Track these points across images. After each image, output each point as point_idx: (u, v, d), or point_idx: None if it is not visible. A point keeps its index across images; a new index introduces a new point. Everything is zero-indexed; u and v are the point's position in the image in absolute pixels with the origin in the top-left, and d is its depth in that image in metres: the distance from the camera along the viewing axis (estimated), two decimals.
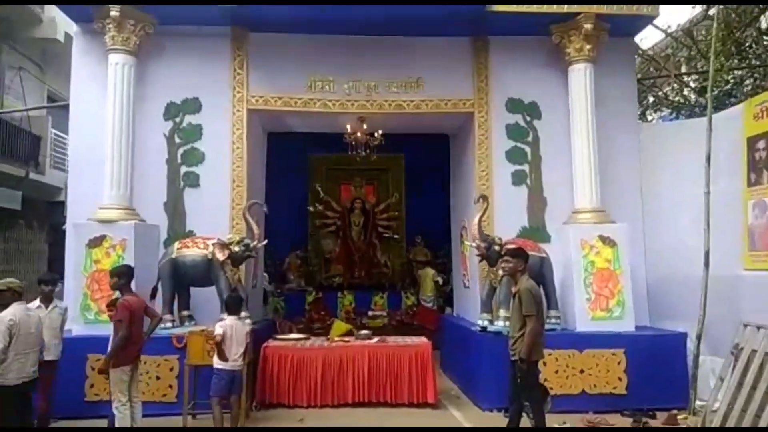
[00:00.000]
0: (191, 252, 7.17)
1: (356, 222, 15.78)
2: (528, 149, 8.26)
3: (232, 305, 6.24)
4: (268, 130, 9.59)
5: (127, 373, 5.33)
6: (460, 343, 8.01)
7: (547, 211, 8.18)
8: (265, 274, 11.17)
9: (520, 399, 5.27)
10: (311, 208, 15.60)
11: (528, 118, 8.29)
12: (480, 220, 7.23)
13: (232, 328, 6.02)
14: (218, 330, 5.87)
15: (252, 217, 7.32)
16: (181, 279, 7.24)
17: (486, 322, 7.26)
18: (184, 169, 7.99)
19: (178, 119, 8.03)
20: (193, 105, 8.05)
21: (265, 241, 7.65)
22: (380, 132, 8.95)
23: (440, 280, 13.39)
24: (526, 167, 8.24)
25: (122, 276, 5.59)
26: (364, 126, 8.78)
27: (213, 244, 7.09)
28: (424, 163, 16.11)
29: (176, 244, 7.31)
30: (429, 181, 16.00)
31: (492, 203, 8.01)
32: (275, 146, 14.29)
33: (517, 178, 8.21)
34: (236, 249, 7.11)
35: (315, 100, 8.18)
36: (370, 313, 13.74)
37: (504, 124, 8.26)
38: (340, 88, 8.22)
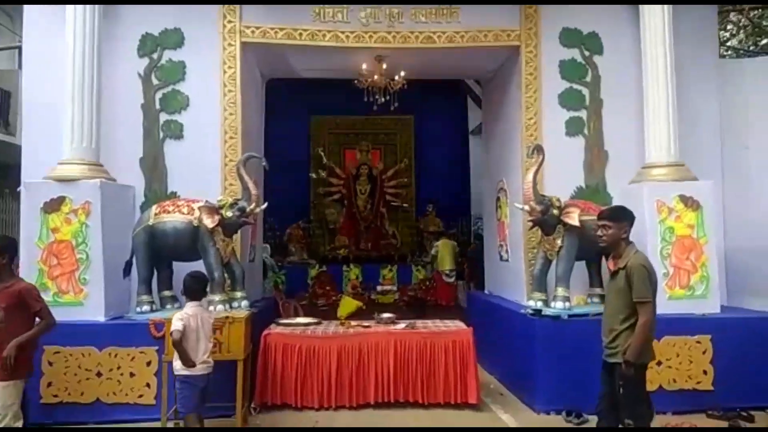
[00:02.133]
0: (172, 218, 5.61)
1: (362, 190, 14.48)
2: (586, 91, 6.66)
3: (194, 288, 4.63)
4: (267, 76, 7.91)
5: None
6: (502, 327, 6.51)
7: (609, 168, 6.63)
8: (265, 245, 9.64)
9: (618, 414, 3.75)
10: (314, 175, 14.26)
11: (587, 53, 6.67)
12: (535, 178, 5.64)
13: (197, 319, 4.48)
14: (176, 324, 4.34)
15: (248, 174, 5.71)
16: (161, 251, 5.72)
17: (540, 304, 5.75)
18: (163, 116, 6.39)
19: (155, 55, 6.41)
20: (173, 38, 6.42)
21: (265, 204, 6.08)
22: (402, 74, 7.28)
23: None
24: (583, 113, 6.65)
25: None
26: (384, 66, 7.11)
27: (200, 208, 5.54)
28: (435, 126, 14.66)
29: (154, 209, 5.76)
30: (441, 146, 14.59)
31: (542, 180, 6.43)
32: (273, 106, 12.66)
33: (573, 127, 6.63)
34: (229, 214, 5.54)
35: (324, 32, 6.53)
36: (379, 287, 12.50)
37: (557, 61, 6.66)
38: (356, 16, 6.59)
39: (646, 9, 6.23)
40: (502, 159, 7.36)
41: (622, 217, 3.94)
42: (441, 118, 14.51)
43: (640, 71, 6.41)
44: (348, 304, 10.16)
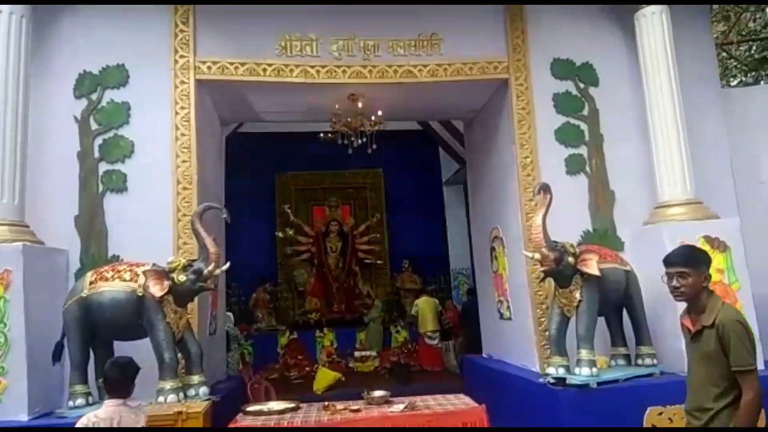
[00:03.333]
0: (111, 287, 4.51)
1: (333, 248, 13.52)
2: (584, 126, 5.95)
3: (115, 379, 3.45)
4: (227, 122, 6.99)
5: None
6: (513, 400, 5.49)
7: (617, 208, 5.83)
8: (228, 314, 8.47)
9: None
10: (280, 234, 13.22)
11: (581, 85, 6.01)
12: (545, 221, 4.77)
13: (110, 424, 3.27)
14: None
15: (206, 229, 4.67)
16: (98, 329, 4.59)
17: (561, 371, 4.76)
18: (104, 166, 5.37)
19: (95, 95, 5.45)
20: (116, 75, 5.48)
21: (227, 265, 5.02)
22: (380, 113, 6.46)
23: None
24: (583, 150, 5.91)
25: None
26: (359, 105, 6.28)
27: (145, 273, 4.46)
28: (407, 178, 13.92)
29: (88, 276, 4.65)
30: (414, 199, 13.81)
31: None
32: (235, 162, 11.76)
33: (573, 165, 5.88)
34: (182, 278, 4.48)
35: (292, 66, 5.69)
36: (356, 353, 11.38)
37: (551, 94, 5.96)
38: (326, 49, 5.78)
39: (644, 29, 5.63)
40: (494, 204, 6.52)
41: (702, 260, 3.07)
42: (412, 169, 13.79)
43: (640, 102, 5.78)
44: (325, 376, 9.04)
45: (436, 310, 10.73)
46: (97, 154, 5.33)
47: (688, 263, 3.00)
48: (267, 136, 12.97)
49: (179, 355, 4.58)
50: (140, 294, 4.43)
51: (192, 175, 5.37)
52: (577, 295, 4.80)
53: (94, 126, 5.37)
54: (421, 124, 12.88)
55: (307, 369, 10.59)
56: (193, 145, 5.41)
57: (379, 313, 11.76)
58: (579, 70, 6.01)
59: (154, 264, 4.57)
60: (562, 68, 5.98)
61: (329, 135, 11.36)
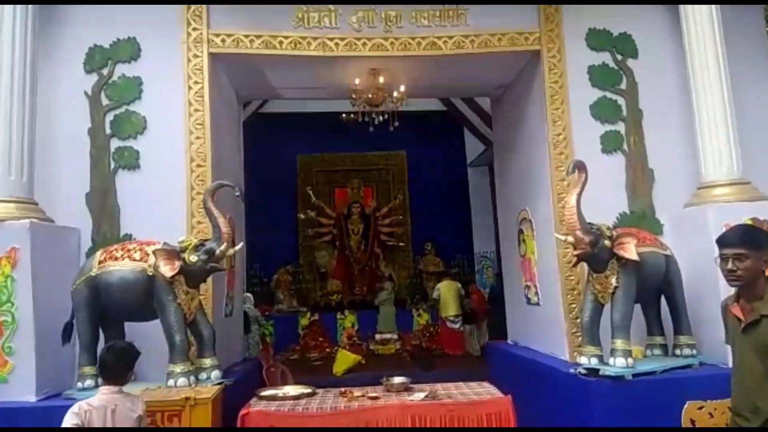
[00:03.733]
0: (121, 266, 4.31)
1: (355, 230, 13.27)
2: (622, 101, 5.53)
3: (111, 365, 3.25)
4: (244, 98, 6.72)
5: None
6: (541, 390, 5.19)
7: (656, 188, 5.43)
8: (248, 295, 8.32)
9: None
10: (302, 216, 13.04)
11: (619, 57, 5.58)
12: (579, 202, 4.41)
13: (104, 413, 3.06)
14: (69, 420, 2.96)
15: (219, 208, 4.44)
16: (107, 309, 4.40)
17: (594, 361, 4.45)
18: (115, 143, 5.15)
19: (106, 70, 5.21)
20: (128, 49, 5.24)
21: (240, 245, 4.79)
22: (402, 89, 6.11)
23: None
24: (620, 126, 5.50)
25: None
26: (380, 79, 5.95)
27: (155, 252, 4.25)
28: (430, 159, 13.58)
29: (98, 255, 4.46)
30: (437, 181, 13.48)
31: (570, 182, 5.26)
32: (257, 144, 11.70)
33: (610, 143, 5.47)
34: (193, 258, 4.25)
35: (309, 39, 5.38)
36: (377, 336, 11.15)
37: (585, 66, 5.55)
38: (346, 21, 5.46)
39: (688, 5, 5.17)
40: (523, 185, 6.16)
41: (762, 241, 2.71)
42: (436, 151, 13.45)
43: (682, 76, 5.34)
44: (345, 359, 8.85)
45: (459, 293, 10.43)
46: (108, 131, 5.12)
47: (747, 244, 2.64)
48: (289, 117, 12.77)
49: (191, 337, 4.38)
50: (150, 274, 4.22)
51: (206, 152, 5.13)
52: (613, 280, 4.45)
53: (105, 101, 5.15)
54: (445, 104, 12.51)
55: (328, 351, 10.46)
56: (207, 121, 5.16)
57: (389, 295, 11.51)
58: (616, 41, 5.57)
59: (165, 243, 4.36)
60: (598, 39, 5.56)
61: (351, 116, 11.09)
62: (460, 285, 10.71)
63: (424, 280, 12.91)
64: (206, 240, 4.39)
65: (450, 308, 10.29)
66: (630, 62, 5.57)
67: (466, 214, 13.09)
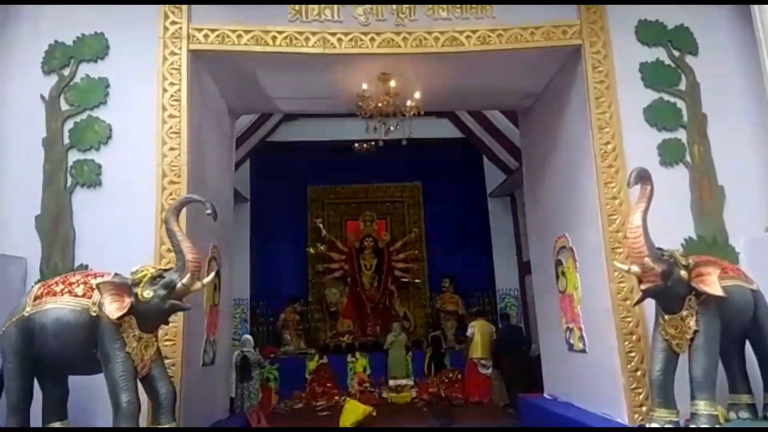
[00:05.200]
0: (58, 304, 3.33)
1: (367, 265, 12.20)
2: (682, 104, 4.54)
3: None
4: (236, 109, 5.81)
5: None
6: None
7: (728, 208, 4.37)
8: (247, 337, 7.30)
9: None
10: (311, 250, 11.96)
11: (676, 53, 4.61)
12: (645, 222, 3.35)
13: None
14: None
15: (183, 230, 3.46)
16: (42, 359, 3.37)
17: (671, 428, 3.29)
18: (74, 155, 4.26)
19: (67, 70, 4.36)
20: (93, 46, 4.39)
21: (210, 278, 3.74)
22: (417, 96, 5.15)
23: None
24: (681, 134, 4.50)
25: None
26: (391, 84, 5.00)
27: (99, 286, 3.21)
28: (448, 191, 12.54)
29: (35, 290, 3.51)
30: (455, 213, 12.41)
31: (624, 199, 4.23)
32: (265, 175, 10.84)
33: (670, 153, 4.46)
34: (147, 294, 3.25)
35: (307, 34, 4.49)
36: (391, 382, 9.86)
37: (636, 64, 4.56)
38: (351, 13, 4.56)
39: None
40: (561, 208, 5.11)
41: None
42: (454, 181, 12.42)
43: (753, 76, 4.33)
44: (353, 410, 7.68)
45: (491, 336, 9.24)
46: (66, 141, 4.22)
47: None
48: (299, 147, 11.94)
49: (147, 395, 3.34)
50: (94, 314, 3.23)
51: (181, 166, 4.19)
52: (692, 323, 3.36)
53: (64, 107, 4.27)
54: (463, 132, 11.58)
55: (336, 398, 9.26)
56: (185, 129, 4.24)
57: (395, 337, 10.38)
58: (672, 35, 4.61)
59: (116, 275, 3.37)
60: (650, 32, 4.60)
61: (364, 145, 10.14)
62: (493, 327, 9.54)
63: (441, 319, 11.73)
64: (166, 270, 3.39)
65: (481, 350, 9.10)
66: (689, 59, 4.58)
67: (486, 249, 11.93)
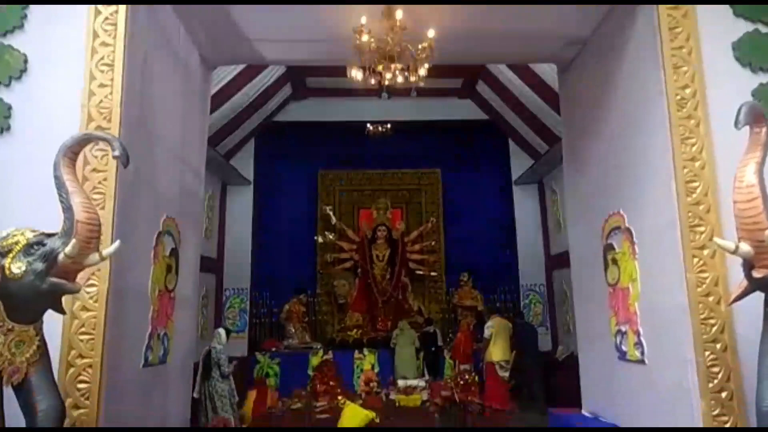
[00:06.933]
0: None
1: (380, 256, 11.07)
2: None
3: None
4: (212, 61, 4.70)
5: None
6: None
7: None
8: (219, 330, 6.18)
9: None
10: (320, 239, 10.87)
11: None
12: (762, 179, 2.17)
13: None
14: None
15: (77, 178, 2.39)
16: None
17: None
18: None
19: None
20: None
21: (114, 246, 2.60)
22: (431, 35, 3.95)
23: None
24: None
25: None
26: (397, 20, 3.83)
27: None
28: (469, 178, 11.33)
29: None
30: (477, 202, 11.20)
31: (715, 197, 3.03)
32: (272, 157, 9.74)
33: None
34: (18, 268, 2.19)
35: None
36: (400, 382, 8.77)
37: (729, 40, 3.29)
38: None
39: None
40: (614, 178, 3.88)
41: None
42: (475, 168, 11.21)
43: None
44: (354, 416, 6.68)
45: (510, 335, 8.07)
46: None
47: None
48: (308, 127, 10.85)
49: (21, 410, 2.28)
50: None
51: (113, 107, 3.09)
52: None
53: None
54: (487, 113, 10.37)
55: (339, 398, 8.18)
56: (120, 61, 3.15)
57: (401, 332, 9.32)
58: None
59: None
60: None
61: (378, 128, 8.94)
62: (511, 325, 8.37)
63: (458, 315, 10.56)
64: (49, 234, 2.31)
65: (500, 352, 7.94)
66: None
67: (510, 240, 10.70)
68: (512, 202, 10.81)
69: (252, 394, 7.92)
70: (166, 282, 3.65)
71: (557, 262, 9.63)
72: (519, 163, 10.49)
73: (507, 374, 7.90)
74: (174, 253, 3.76)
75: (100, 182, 2.99)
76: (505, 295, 10.61)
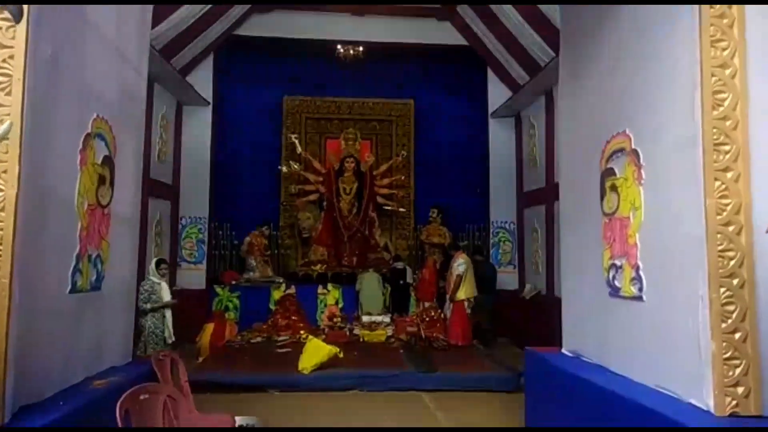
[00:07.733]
0: None
1: (347, 189, 10.59)
2: None
3: None
4: None
5: None
6: None
7: None
8: (151, 266, 5.54)
9: None
10: (284, 169, 10.28)
11: None
12: None
13: None
14: None
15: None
16: None
17: None
18: None
19: None
20: None
21: (7, 125, 2.01)
22: None
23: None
24: None
25: None
26: None
27: None
28: (444, 109, 10.76)
29: None
30: (450, 135, 10.70)
31: (745, 112, 2.58)
32: (233, 78, 8.96)
33: None
34: None
35: None
36: (365, 318, 8.60)
37: None
38: None
39: None
40: (621, 92, 3.39)
41: None
42: (450, 98, 10.66)
43: None
44: (316, 351, 6.36)
45: (473, 272, 7.85)
46: None
47: None
48: (273, 45, 10.01)
49: None
50: None
51: None
52: None
53: None
54: (467, 38, 9.71)
55: (302, 333, 7.89)
56: None
57: (364, 280, 9.12)
58: None
59: None
60: None
61: (350, 51, 8.35)
62: (483, 259, 8.17)
63: (426, 252, 10.25)
64: None
65: (472, 289, 7.73)
66: None
67: (483, 176, 10.32)
68: (487, 135, 10.35)
69: (209, 327, 7.55)
70: (98, 195, 3.08)
71: (530, 199, 9.34)
72: (497, 93, 9.95)
73: (470, 311, 7.77)
74: (108, 161, 3.17)
75: (4, 60, 2.37)
76: (475, 232, 10.35)
